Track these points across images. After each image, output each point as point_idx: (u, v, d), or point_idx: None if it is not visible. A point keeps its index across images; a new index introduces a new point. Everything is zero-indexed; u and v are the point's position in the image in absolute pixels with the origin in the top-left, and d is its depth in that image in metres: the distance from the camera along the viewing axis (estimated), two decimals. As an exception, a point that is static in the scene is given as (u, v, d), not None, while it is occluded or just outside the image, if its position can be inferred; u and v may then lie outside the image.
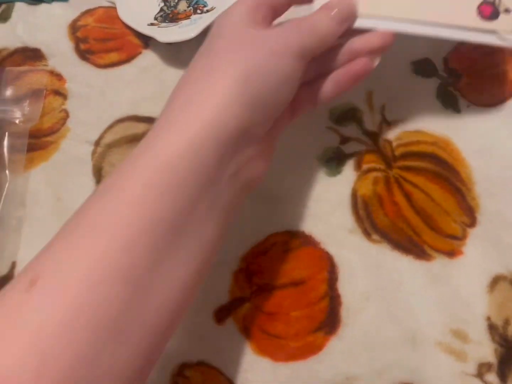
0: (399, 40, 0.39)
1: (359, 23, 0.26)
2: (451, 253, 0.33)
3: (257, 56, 0.22)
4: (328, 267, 0.32)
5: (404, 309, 0.31)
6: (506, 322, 0.31)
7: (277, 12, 0.26)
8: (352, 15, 0.26)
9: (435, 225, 0.33)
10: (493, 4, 0.25)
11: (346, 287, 0.32)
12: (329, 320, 0.31)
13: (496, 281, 0.32)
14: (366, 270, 0.32)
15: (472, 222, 0.33)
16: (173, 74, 0.38)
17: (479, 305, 0.31)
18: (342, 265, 0.32)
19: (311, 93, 0.27)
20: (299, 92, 0.25)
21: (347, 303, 0.32)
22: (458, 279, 0.32)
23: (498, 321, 0.31)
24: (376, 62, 0.27)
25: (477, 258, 0.32)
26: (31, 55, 0.40)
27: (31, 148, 0.37)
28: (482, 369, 0.30)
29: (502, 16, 0.25)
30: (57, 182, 0.36)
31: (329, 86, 0.27)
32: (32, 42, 0.40)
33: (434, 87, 0.37)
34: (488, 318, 0.31)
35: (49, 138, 0.38)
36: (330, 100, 0.28)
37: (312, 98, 0.27)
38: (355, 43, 0.26)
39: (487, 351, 0.30)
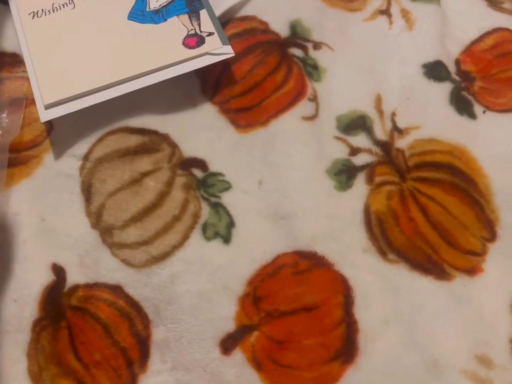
0: (408, 40, 0.38)
1: (46, 117, 0.29)
2: (471, 271, 0.31)
3: None
4: (344, 290, 0.30)
5: (426, 335, 0.29)
6: (531, 344, 0.30)
7: None
8: None
9: (453, 241, 0.31)
10: (195, 34, 0.29)
11: (363, 312, 0.29)
12: (345, 349, 0.29)
13: (519, 299, 0.31)
14: (384, 293, 0.30)
15: (492, 237, 0.32)
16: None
17: (502, 326, 0.29)
18: (358, 288, 0.30)
19: None
20: None
21: (365, 329, 0.29)
22: (480, 299, 0.30)
23: (522, 343, 0.30)
24: None
25: (498, 275, 0.31)
26: (8, 61, 0.36)
27: (11, 163, 0.34)
28: (508, 397, 0.29)
29: (207, 40, 0.30)
30: (41, 201, 0.33)
31: None
32: (9, 46, 0.36)
33: (447, 91, 0.35)
34: (512, 341, 0.30)
35: (30, 152, 0.34)
36: None
37: None
38: None
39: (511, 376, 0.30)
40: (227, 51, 0.30)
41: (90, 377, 0.30)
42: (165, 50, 0.29)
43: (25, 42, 0.31)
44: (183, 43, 0.30)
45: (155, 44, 0.30)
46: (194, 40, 0.30)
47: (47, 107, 0.32)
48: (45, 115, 0.32)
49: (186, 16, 0.30)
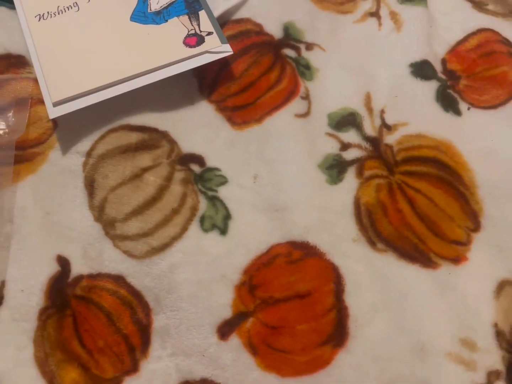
0: (396, 41, 0.39)
1: (54, 113, 0.30)
2: (456, 260, 0.32)
3: None
4: (335, 278, 0.31)
5: (412, 320, 0.30)
6: (513, 328, 0.29)
7: None
8: None
9: (439, 231, 0.32)
10: (195, 34, 0.31)
11: (353, 299, 0.30)
12: (337, 333, 0.30)
13: (502, 286, 0.31)
14: (373, 280, 0.31)
15: (476, 227, 0.33)
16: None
17: (486, 311, 0.30)
18: (348, 276, 0.31)
19: None
20: None
21: (355, 315, 0.30)
22: (464, 286, 0.31)
23: (505, 327, 0.30)
24: None
25: (482, 264, 0.31)
26: (14, 62, 0.37)
27: (17, 160, 0.35)
28: (491, 378, 0.29)
29: (207, 39, 0.31)
30: (46, 196, 0.34)
31: None
32: (15, 49, 0.37)
33: (433, 89, 0.36)
34: (495, 325, 0.30)
35: (35, 149, 0.35)
36: None
37: None
38: None
39: (495, 358, 0.29)
40: (226, 49, 0.31)
41: (94, 362, 0.31)
42: (167, 49, 0.30)
43: (32, 44, 0.32)
44: (184, 42, 0.31)
45: (157, 43, 0.31)
46: (194, 39, 0.31)
47: (55, 104, 0.33)
48: (54, 112, 0.33)
49: (186, 17, 0.31)
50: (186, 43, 0.31)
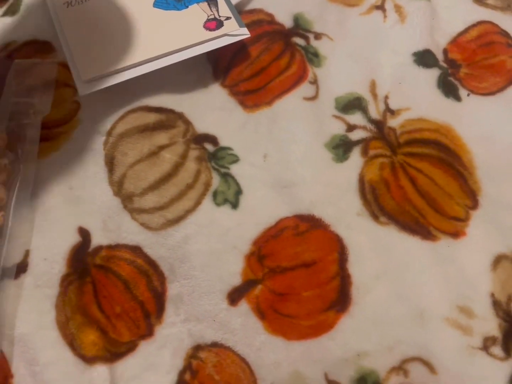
0: (400, 32, 0.41)
1: (84, 91, 0.33)
2: (455, 234, 0.33)
3: None
4: (338, 248, 0.32)
5: (412, 288, 0.31)
6: (509, 298, 0.31)
7: None
8: None
9: (439, 208, 0.34)
10: (214, 19, 0.32)
11: (356, 268, 0.32)
12: (340, 299, 0.31)
13: (498, 260, 0.32)
14: (375, 251, 0.32)
15: (474, 205, 0.34)
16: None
17: (483, 283, 0.32)
18: (352, 246, 0.32)
19: None
20: None
21: (357, 282, 0.32)
22: (463, 258, 0.32)
23: (501, 298, 0.31)
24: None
25: (480, 239, 0.33)
26: (40, 48, 0.39)
27: (42, 138, 0.37)
28: (487, 343, 0.30)
29: (226, 23, 0.32)
30: (69, 172, 0.36)
31: None
32: (42, 35, 0.39)
33: (435, 77, 0.37)
34: (492, 295, 0.31)
35: (60, 129, 0.37)
36: None
37: None
38: None
39: (492, 325, 0.31)
40: (244, 33, 0.33)
41: (111, 327, 0.32)
42: (188, 32, 0.32)
43: (61, 28, 0.34)
44: (204, 26, 0.33)
45: (179, 27, 0.33)
46: (214, 23, 0.33)
47: (85, 82, 0.35)
48: (84, 90, 0.35)
49: (206, 3, 0.34)
50: (206, 27, 0.33)
